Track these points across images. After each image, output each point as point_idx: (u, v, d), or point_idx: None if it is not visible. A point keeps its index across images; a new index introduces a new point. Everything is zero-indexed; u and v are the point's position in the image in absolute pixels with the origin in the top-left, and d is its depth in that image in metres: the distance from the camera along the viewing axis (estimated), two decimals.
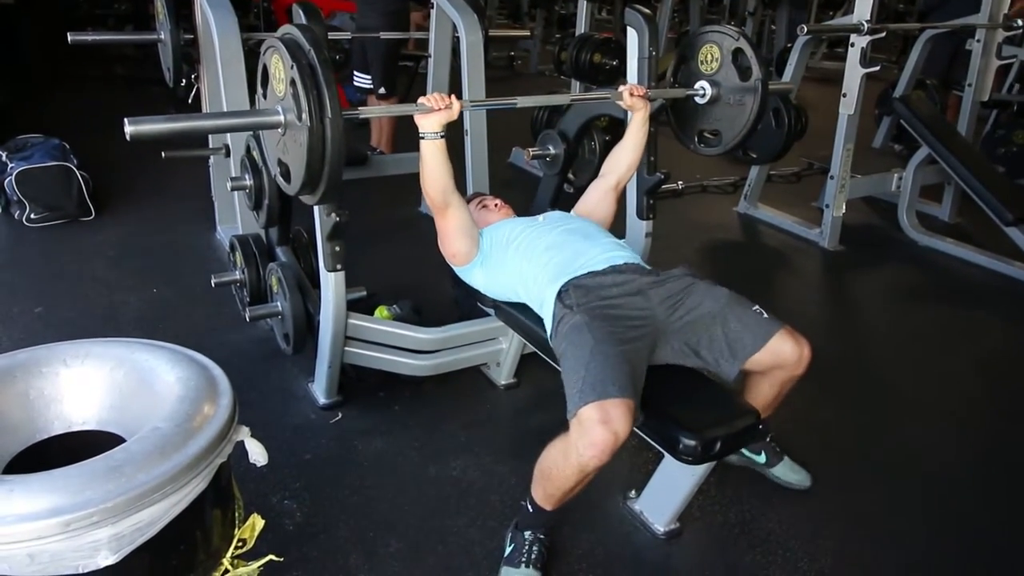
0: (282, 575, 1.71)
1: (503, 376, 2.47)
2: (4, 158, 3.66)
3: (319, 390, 2.33)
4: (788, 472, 2.09)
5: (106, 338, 1.24)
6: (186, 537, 1.03)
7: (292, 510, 1.91)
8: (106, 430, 1.16)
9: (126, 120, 1.56)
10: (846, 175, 3.75)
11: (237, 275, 2.56)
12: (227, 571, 1.11)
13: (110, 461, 0.94)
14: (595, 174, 3.06)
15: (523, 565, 1.69)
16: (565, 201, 2.87)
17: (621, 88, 2.18)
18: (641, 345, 1.72)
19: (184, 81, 4.54)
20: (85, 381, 1.17)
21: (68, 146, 3.84)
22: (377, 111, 1.85)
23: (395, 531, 1.86)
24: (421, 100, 1.86)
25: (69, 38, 2.85)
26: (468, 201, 2.42)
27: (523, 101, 2.09)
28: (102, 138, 4.77)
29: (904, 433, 2.40)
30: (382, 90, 4.03)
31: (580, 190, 3.23)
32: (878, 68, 3.47)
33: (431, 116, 1.86)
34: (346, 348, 2.23)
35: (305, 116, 1.59)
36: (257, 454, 1.17)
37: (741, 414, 1.71)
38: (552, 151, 2.88)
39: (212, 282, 2.57)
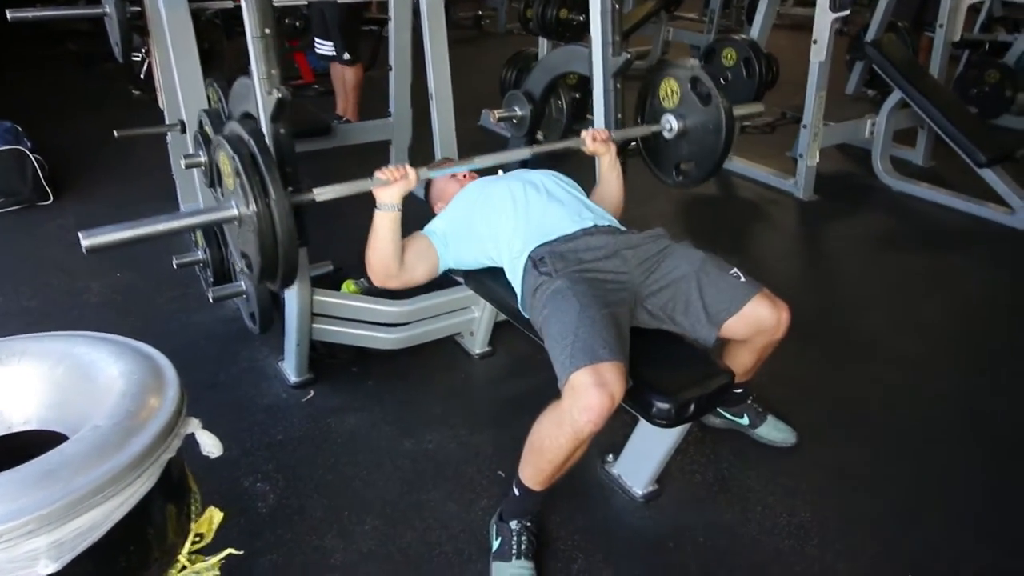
0: (257, 559, 1.69)
1: (477, 345, 2.43)
2: None
3: (289, 369, 2.29)
4: (772, 431, 2.08)
5: (44, 333, 1.19)
6: (135, 537, 0.99)
7: (265, 492, 1.88)
8: (51, 429, 1.11)
9: (80, 234, 1.51)
10: (819, 123, 3.70)
11: (200, 255, 2.49)
12: (184, 567, 1.08)
13: (44, 465, 0.89)
14: (563, 134, 2.99)
15: (514, 558, 1.65)
16: (534, 164, 2.81)
17: (583, 134, 2.12)
18: (623, 309, 1.69)
19: (139, 55, 4.40)
20: (24, 380, 1.12)
21: (20, 129, 3.70)
22: (330, 192, 1.77)
23: (371, 509, 1.84)
24: (376, 174, 1.80)
25: (8, 15, 2.72)
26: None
27: (482, 161, 2.01)
28: (57, 119, 4.67)
29: (884, 383, 2.40)
30: (345, 56, 3.90)
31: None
32: (847, 13, 3.40)
33: (389, 189, 1.79)
34: (314, 325, 2.18)
35: (251, 203, 1.56)
36: (210, 446, 1.13)
37: (714, 374, 1.68)
38: (518, 112, 2.82)
39: (174, 263, 2.50)
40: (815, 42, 3.51)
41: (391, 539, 1.75)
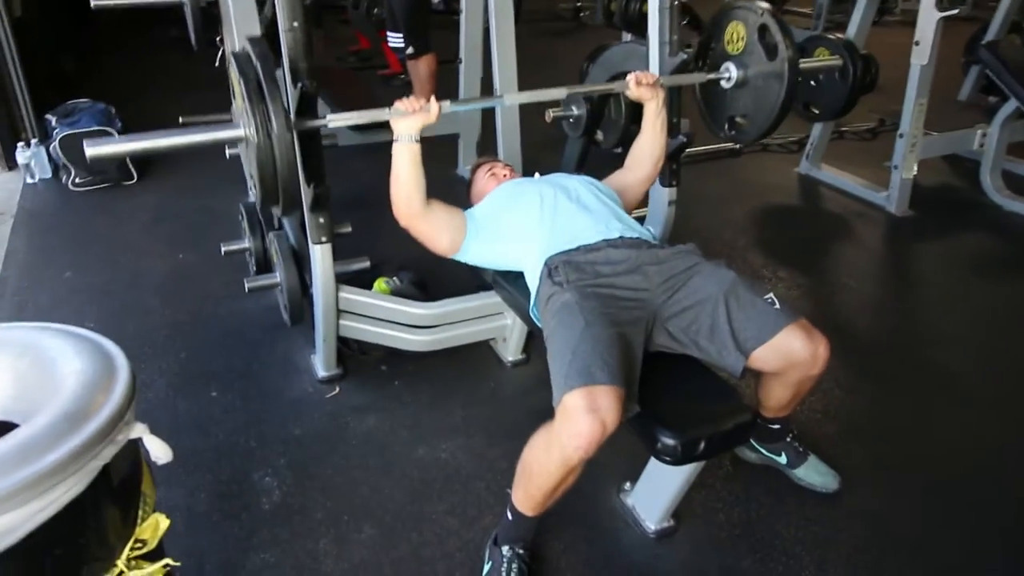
0: (249, 556, 1.69)
1: (510, 352, 2.36)
2: (53, 123, 3.74)
3: (318, 363, 2.28)
4: (811, 473, 1.90)
5: (15, 323, 1.20)
6: (63, 540, 0.98)
7: (271, 488, 1.87)
8: (10, 420, 1.12)
9: (85, 143, 1.56)
10: (918, 132, 3.39)
11: (246, 243, 2.52)
12: (122, 572, 1.06)
13: None
14: (623, 135, 2.86)
15: None
16: (593, 163, 2.69)
17: (628, 77, 1.98)
18: (636, 329, 1.57)
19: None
20: None
21: (114, 111, 3.90)
22: (341, 119, 1.77)
23: (372, 515, 1.80)
24: (396, 104, 1.75)
25: (92, 3, 2.84)
26: (477, 167, 2.30)
27: (511, 98, 1.94)
28: (153, 103, 4.88)
29: (953, 432, 2.15)
30: (409, 49, 3.88)
31: (609, 152, 3.05)
32: (956, 12, 3.08)
33: (407, 119, 1.75)
34: (341, 322, 2.16)
35: (252, 131, 1.52)
36: (159, 454, 1.10)
37: (733, 410, 1.54)
38: (575, 112, 2.69)
39: (222, 250, 2.55)
40: (917, 43, 3.21)
41: (385, 550, 1.71)
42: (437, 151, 3.91)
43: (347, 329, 2.19)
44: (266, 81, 1.57)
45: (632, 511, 1.81)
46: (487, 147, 3.57)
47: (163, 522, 1.14)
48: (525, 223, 1.84)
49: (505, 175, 2.19)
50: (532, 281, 1.75)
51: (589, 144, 2.79)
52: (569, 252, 1.70)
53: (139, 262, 2.96)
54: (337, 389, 2.24)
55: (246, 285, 2.27)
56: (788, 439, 1.90)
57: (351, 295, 2.12)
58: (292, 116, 1.72)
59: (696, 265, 1.68)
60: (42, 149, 3.67)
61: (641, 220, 2.56)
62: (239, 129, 1.62)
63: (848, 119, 4.10)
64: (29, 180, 3.67)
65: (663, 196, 2.41)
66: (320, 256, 2.00)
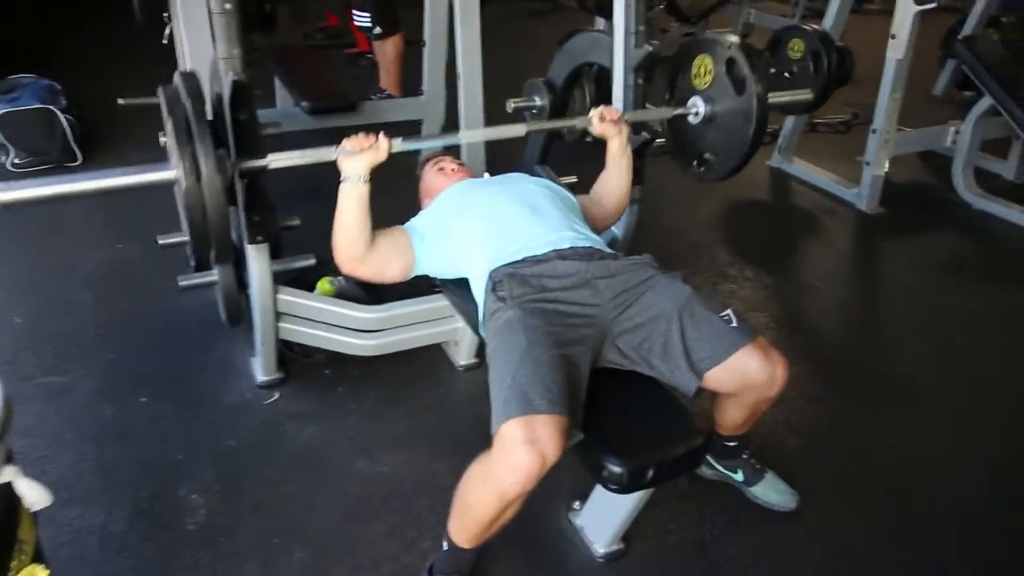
0: None
1: (462, 356, 2.24)
2: None
3: (258, 367, 2.16)
4: (769, 492, 1.81)
5: None
6: None
7: (197, 507, 1.75)
8: None
9: None
10: (891, 128, 3.31)
11: (185, 237, 2.37)
12: None
13: None
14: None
15: None
16: (556, 157, 2.58)
17: (591, 112, 1.86)
18: (583, 348, 1.46)
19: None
20: None
21: (60, 87, 3.70)
22: (283, 159, 1.61)
23: (303, 537, 1.69)
24: (344, 143, 1.61)
25: None
26: (425, 162, 2.16)
27: (469, 136, 1.79)
28: (103, 79, 4.66)
29: (919, 445, 2.08)
30: (376, 29, 3.72)
31: (574, 146, 2.92)
32: (934, 5, 2.98)
33: (355, 158, 1.60)
34: (281, 324, 2.04)
35: (181, 170, 1.37)
36: (33, 499, 0.98)
37: (685, 434, 1.44)
38: (538, 102, 2.59)
39: (159, 243, 2.39)
40: (893, 36, 3.12)
41: None
42: (400, 135, 3.80)
43: (288, 332, 2.07)
44: (196, 122, 1.42)
45: (581, 532, 1.72)
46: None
47: (41, 574, 1.02)
48: (472, 230, 1.71)
49: (454, 170, 2.06)
50: (478, 293, 1.64)
51: (552, 137, 2.67)
52: (515, 264, 1.58)
53: (74, 252, 2.79)
54: (276, 395, 2.12)
55: (180, 283, 2.12)
56: (745, 456, 1.81)
57: (290, 297, 1.99)
58: (233, 155, 1.57)
59: (650, 279, 1.57)
60: None
61: None
62: (170, 171, 1.47)
63: (822, 111, 4.01)
64: None
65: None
66: (255, 256, 1.87)
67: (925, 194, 3.72)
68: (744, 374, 1.48)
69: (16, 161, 3.41)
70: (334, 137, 3.57)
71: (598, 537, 1.68)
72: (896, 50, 3.13)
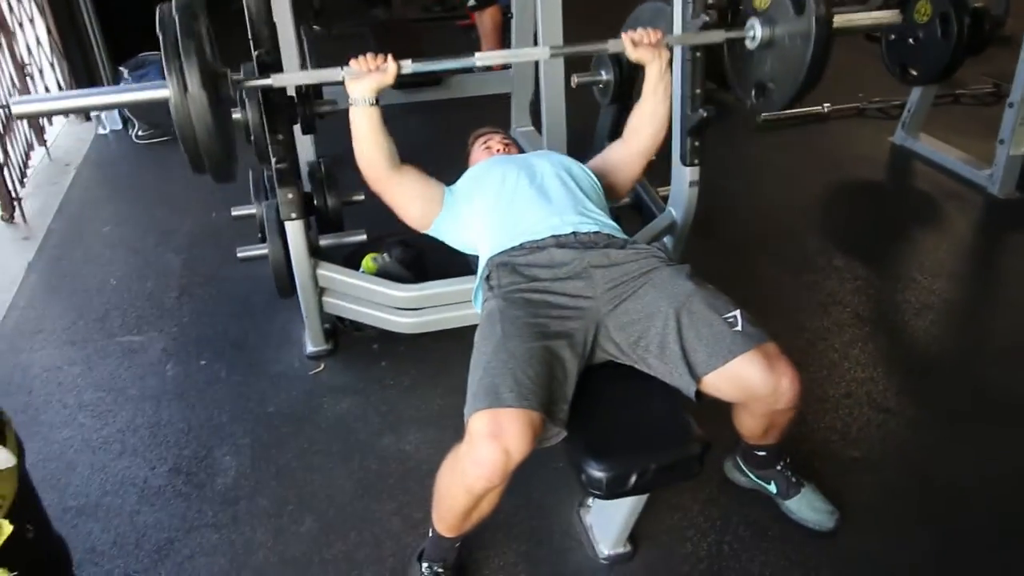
0: (188, 538, 1.67)
1: None
2: (125, 74, 3.84)
3: (307, 338, 2.23)
4: (804, 508, 1.66)
5: None
6: None
7: (228, 469, 1.85)
8: None
9: (11, 101, 1.54)
10: None
11: (254, 209, 2.49)
12: None
13: None
14: None
15: None
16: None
17: (622, 36, 1.73)
18: (571, 341, 1.40)
19: None
20: None
21: None
22: (287, 79, 1.64)
23: (316, 508, 1.74)
24: (351, 63, 1.61)
25: None
26: (476, 138, 2.14)
27: (483, 59, 1.73)
28: (228, 56, 4.96)
29: (1002, 480, 1.81)
30: (472, 2, 3.69)
31: None
32: None
33: (361, 81, 1.60)
34: (325, 299, 2.09)
35: (171, 91, 1.40)
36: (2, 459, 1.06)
37: (677, 442, 1.34)
38: (603, 76, 2.47)
39: (232, 214, 2.52)
40: None
41: (319, 548, 1.65)
42: (487, 110, 3.77)
43: (332, 306, 2.12)
44: (183, 37, 1.44)
45: (589, 531, 1.65)
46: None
47: (6, 527, 1.10)
48: (480, 208, 1.71)
49: (499, 150, 2.03)
50: (479, 278, 1.61)
51: (622, 113, 2.54)
52: (510, 251, 1.55)
53: (173, 219, 3.00)
54: (322, 366, 2.19)
55: (238, 254, 2.23)
56: (779, 467, 1.67)
57: (329, 272, 2.03)
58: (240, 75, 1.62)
59: (653, 271, 1.47)
60: None
61: (665, 199, 2.32)
62: (164, 89, 1.50)
63: (963, 80, 3.57)
64: (100, 131, 3.82)
65: (684, 176, 2.16)
66: (292, 232, 1.92)
67: None
68: (744, 383, 1.35)
69: (140, 133, 3.70)
70: (426, 111, 3.59)
71: (603, 537, 1.61)
72: None
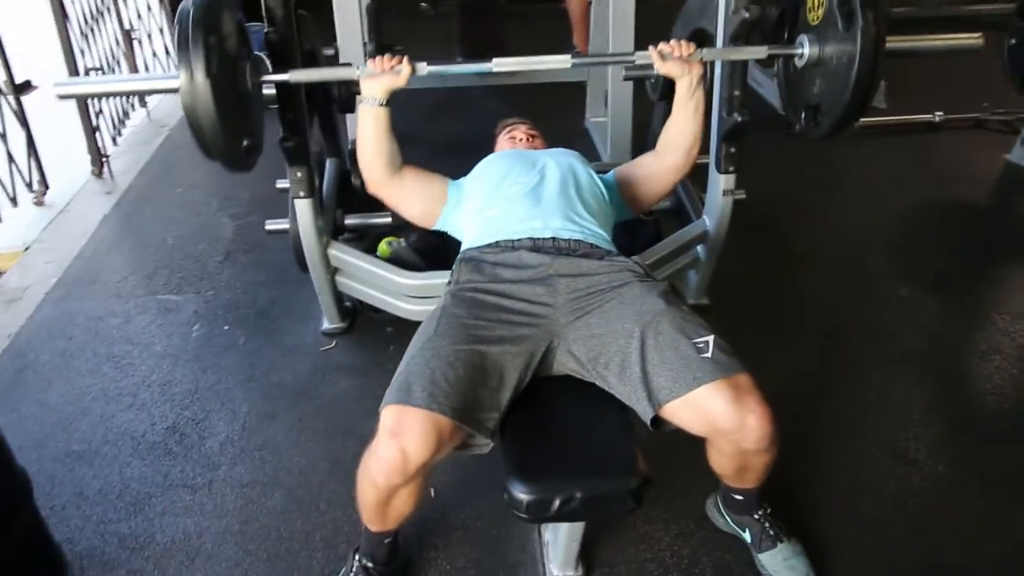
0: (165, 495, 1.74)
1: None
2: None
3: (324, 315, 2.27)
4: (779, 565, 1.50)
5: None
6: None
7: (219, 433, 1.91)
8: None
9: (53, 83, 1.61)
10: None
11: None
12: None
13: None
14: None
15: None
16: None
17: (650, 49, 1.62)
18: (517, 349, 1.33)
19: None
20: None
21: None
22: (301, 76, 1.65)
23: (287, 484, 1.77)
24: (368, 63, 1.61)
25: None
26: (503, 128, 2.08)
27: (500, 65, 1.66)
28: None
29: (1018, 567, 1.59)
30: None
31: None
32: None
33: (374, 80, 1.60)
34: (338, 278, 2.12)
35: (181, 82, 1.44)
36: None
37: (610, 473, 1.25)
38: (654, 71, 2.32)
39: (276, 186, 2.59)
40: None
41: (278, 524, 1.67)
42: (564, 98, 3.67)
43: (345, 286, 2.14)
44: (193, 29, 1.48)
45: (545, 548, 1.58)
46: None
47: None
48: (478, 201, 1.67)
49: (522, 139, 1.97)
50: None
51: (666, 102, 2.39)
52: (484, 248, 1.50)
53: (239, 185, 3.10)
54: (333, 343, 2.22)
55: (266, 226, 2.29)
56: (757, 516, 1.52)
57: (339, 253, 2.05)
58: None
59: (623, 285, 1.37)
60: None
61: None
62: (175, 80, 1.56)
63: None
64: None
65: (718, 184, 2.01)
66: (301, 210, 1.94)
67: None
68: (708, 415, 1.24)
69: None
70: (506, 95, 3.52)
71: (555, 558, 1.53)
72: None
